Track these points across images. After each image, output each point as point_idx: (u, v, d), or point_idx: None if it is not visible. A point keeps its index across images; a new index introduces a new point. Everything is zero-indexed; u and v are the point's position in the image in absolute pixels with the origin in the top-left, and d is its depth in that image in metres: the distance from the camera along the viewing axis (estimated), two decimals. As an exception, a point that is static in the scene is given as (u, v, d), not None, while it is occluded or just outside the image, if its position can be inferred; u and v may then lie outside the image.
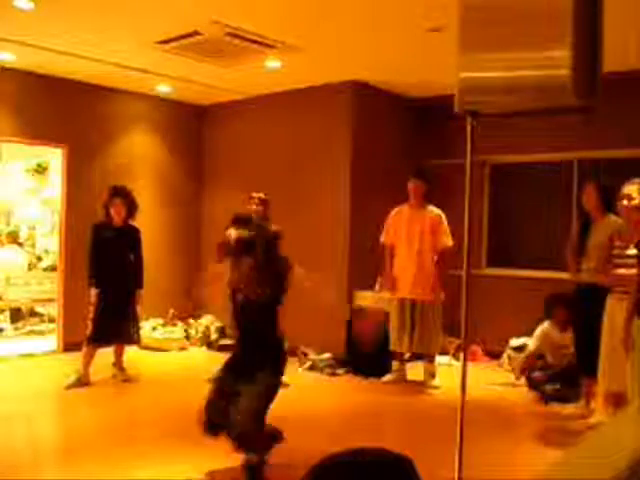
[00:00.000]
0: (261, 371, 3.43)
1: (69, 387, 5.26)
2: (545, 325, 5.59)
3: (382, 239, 5.78)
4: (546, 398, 5.19)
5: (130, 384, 5.54)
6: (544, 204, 6.68)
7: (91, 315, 5.35)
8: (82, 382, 5.32)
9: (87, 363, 5.37)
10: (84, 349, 5.39)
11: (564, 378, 5.21)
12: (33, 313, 7.91)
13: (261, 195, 5.51)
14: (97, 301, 5.35)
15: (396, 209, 5.76)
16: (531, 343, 5.64)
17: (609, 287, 4.21)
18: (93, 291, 5.37)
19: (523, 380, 5.56)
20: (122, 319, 5.45)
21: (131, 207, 5.53)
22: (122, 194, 5.50)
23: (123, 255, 5.52)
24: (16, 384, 5.48)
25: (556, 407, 4.95)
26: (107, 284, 5.37)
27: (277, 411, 3.72)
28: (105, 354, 5.63)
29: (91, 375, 5.41)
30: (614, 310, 4.10)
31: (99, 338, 5.36)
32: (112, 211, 5.46)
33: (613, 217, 4.46)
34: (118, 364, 5.63)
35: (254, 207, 5.46)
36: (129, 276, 5.51)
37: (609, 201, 4.46)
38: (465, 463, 2.66)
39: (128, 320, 5.51)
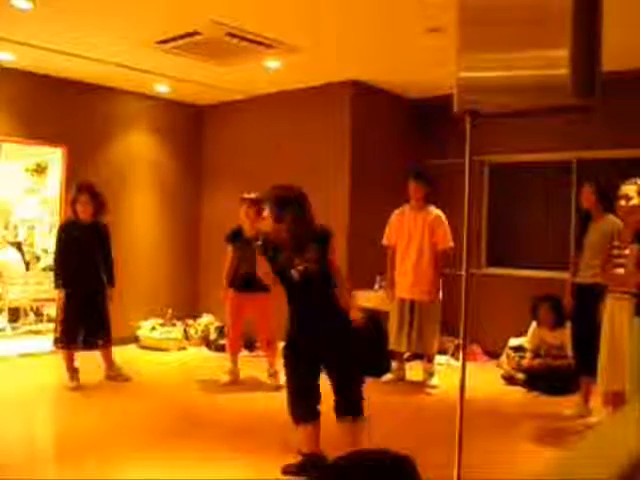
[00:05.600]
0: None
1: (76, 388, 5.25)
2: (534, 326, 5.73)
3: (384, 241, 5.78)
4: (539, 389, 5.38)
5: (129, 384, 5.52)
6: (544, 204, 6.69)
7: (59, 318, 5.23)
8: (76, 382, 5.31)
9: (70, 365, 5.29)
10: (61, 353, 5.34)
11: (557, 375, 5.33)
12: (38, 313, 7.91)
13: (252, 196, 5.27)
14: (65, 302, 5.22)
15: (397, 210, 5.74)
16: (527, 343, 5.78)
17: (608, 287, 4.21)
18: (60, 292, 5.25)
19: (520, 376, 5.64)
20: (92, 320, 5.29)
21: (98, 203, 5.31)
22: (88, 190, 5.28)
23: (92, 253, 5.31)
24: (15, 384, 5.47)
25: (555, 407, 4.94)
26: (76, 284, 5.22)
27: (277, 412, 3.73)
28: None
29: (89, 375, 5.39)
30: (614, 310, 4.09)
31: (68, 341, 5.25)
32: (78, 208, 5.24)
33: (612, 217, 4.47)
34: (110, 367, 5.55)
35: (245, 209, 5.28)
36: (99, 275, 5.34)
37: (608, 201, 4.46)
38: (465, 463, 2.66)
39: (99, 321, 5.33)
